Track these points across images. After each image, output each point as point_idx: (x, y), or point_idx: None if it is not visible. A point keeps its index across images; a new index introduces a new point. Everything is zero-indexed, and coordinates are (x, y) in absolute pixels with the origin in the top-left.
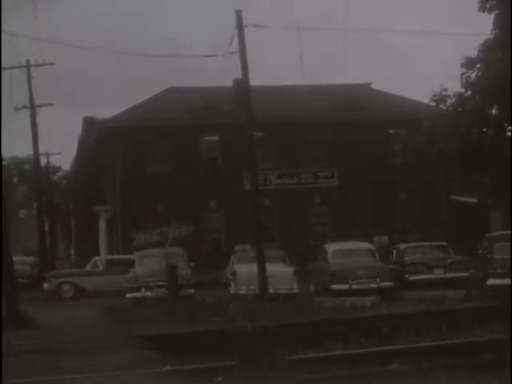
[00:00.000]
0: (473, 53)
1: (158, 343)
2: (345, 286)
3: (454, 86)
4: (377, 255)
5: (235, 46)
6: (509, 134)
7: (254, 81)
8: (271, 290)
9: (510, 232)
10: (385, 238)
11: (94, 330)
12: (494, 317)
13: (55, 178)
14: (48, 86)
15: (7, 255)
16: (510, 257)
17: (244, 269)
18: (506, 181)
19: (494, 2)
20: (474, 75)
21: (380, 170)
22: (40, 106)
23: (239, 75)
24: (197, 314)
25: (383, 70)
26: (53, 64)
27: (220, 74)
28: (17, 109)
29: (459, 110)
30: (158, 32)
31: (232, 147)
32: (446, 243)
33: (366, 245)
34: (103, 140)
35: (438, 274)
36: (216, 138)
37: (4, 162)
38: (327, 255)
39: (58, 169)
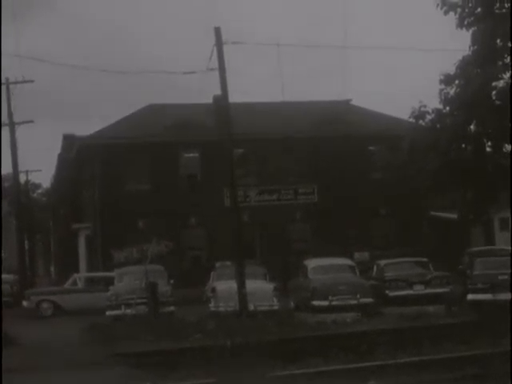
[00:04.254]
0: (451, 69)
1: (139, 360)
2: (325, 303)
3: (434, 103)
4: (357, 271)
5: (215, 63)
6: (488, 149)
7: (234, 97)
8: (251, 307)
9: (488, 248)
10: (365, 254)
11: (74, 347)
12: (475, 332)
13: (35, 195)
14: (27, 104)
15: None
16: (489, 272)
17: (224, 286)
18: (485, 196)
19: (472, 18)
20: (452, 91)
21: (360, 186)
22: (19, 123)
23: (219, 92)
24: (177, 332)
25: (363, 87)
26: (32, 81)
27: (200, 91)
28: None
29: (438, 126)
30: (138, 49)
31: (212, 164)
32: (426, 259)
33: (346, 261)
34: (83, 157)
35: (419, 289)
36: (196, 154)
37: None
38: (307, 271)
39: (37, 186)
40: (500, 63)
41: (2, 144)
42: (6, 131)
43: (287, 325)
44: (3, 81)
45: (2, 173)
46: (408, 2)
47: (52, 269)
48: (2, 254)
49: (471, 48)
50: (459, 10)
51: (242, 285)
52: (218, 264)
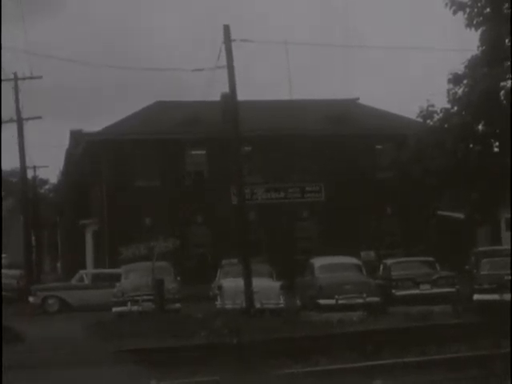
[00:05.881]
0: (459, 69)
1: (144, 357)
2: (331, 301)
3: (441, 102)
4: (364, 270)
5: (223, 61)
6: (495, 149)
7: (242, 95)
8: (258, 305)
9: (496, 248)
10: (372, 253)
11: (80, 344)
12: (480, 332)
13: (42, 191)
14: (35, 99)
15: None
16: (496, 272)
17: (230, 283)
18: (493, 196)
19: (481, 18)
20: (460, 91)
21: (367, 185)
22: (27, 118)
23: (227, 89)
24: (183, 329)
25: (371, 85)
26: (40, 77)
27: (208, 89)
28: (4, 122)
29: (446, 125)
30: (147, 46)
31: (219, 161)
32: (432, 258)
33: (352, 260)
34: (90, 153)
35: (425, 289)
36: (203, 152)
37: None
38: (314, 270)
39: (45, 182)
40: (508, 63)
41: (4, 140)
42: (13, 127)
43: (293, 323)
44: (12, 76)
45: (10, 168)
46: (417, 1)
47: (59, 265)
48: (9, 250)
49: (480, 48)
50: (468, 9)
51: (248, 282)
52: (224, 261)
